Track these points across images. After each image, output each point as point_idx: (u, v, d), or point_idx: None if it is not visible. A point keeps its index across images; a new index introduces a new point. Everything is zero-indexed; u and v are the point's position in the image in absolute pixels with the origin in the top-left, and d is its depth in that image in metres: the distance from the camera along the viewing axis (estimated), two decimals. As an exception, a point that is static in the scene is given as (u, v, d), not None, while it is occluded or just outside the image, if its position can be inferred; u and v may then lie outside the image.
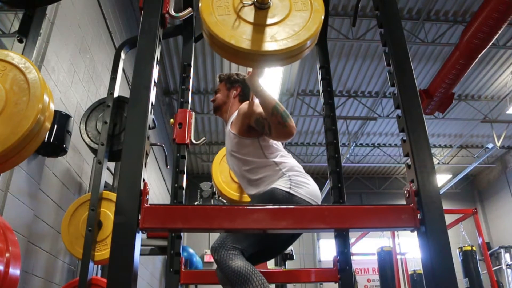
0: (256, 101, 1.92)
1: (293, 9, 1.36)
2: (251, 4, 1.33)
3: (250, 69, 1.96)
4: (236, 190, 2.86)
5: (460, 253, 6.56)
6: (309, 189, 1.86)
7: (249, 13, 1.33)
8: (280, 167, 1.90)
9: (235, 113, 2.04)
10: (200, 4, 1.34)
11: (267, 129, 1.82)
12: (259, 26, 1.31)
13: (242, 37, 1.27)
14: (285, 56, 1.31)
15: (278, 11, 1.35)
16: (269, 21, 1.32)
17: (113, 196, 2.70)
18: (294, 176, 1.86)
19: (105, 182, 2.79)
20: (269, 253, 2.04)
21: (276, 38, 1.28)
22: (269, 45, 1.27)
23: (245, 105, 1.98)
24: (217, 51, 1.33)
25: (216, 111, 2.25)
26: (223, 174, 2.95)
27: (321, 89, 2.44)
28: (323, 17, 1.35)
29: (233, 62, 1.37)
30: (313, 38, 1.33)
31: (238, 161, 1.98)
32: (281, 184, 1.82)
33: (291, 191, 1.80)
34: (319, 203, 1.91)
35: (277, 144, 2.02)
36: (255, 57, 1.29)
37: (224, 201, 5.39)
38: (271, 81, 7.32)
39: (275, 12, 1.34)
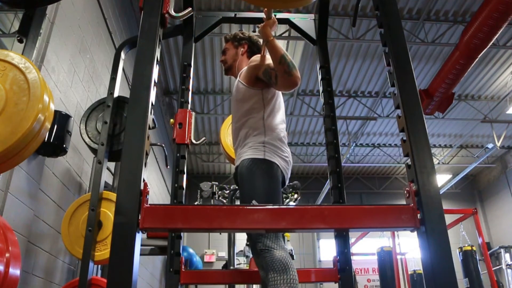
0: (267, 55, 2.00)
1: None
2: None
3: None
4: None
5: (460, 253, 6.55)
6: (281, 156, 1.96)
7: None
8: (265, 126, 1.98)
9: (245, 69, 2.14)
10: None
11: (273, 78, 1.91)
12: None
13: None
14: None
15: None
16: None
17: (113, 196, 2.70)
18: (268, 142, 1.95)
19: (105, 182, 2.79)
20: None
21: None
22: None
23: (256, 57, 2.09)
24: None
25: (227, 71, 2.34)
26: (230, 138, 3.07)
27: (321, 89, 2.44)
28: None
29: (249, 1, 1.40)
30: None
31: (239, 108, 2.09)
32: (255, 153, 1.92)
33: (266, 157, 1.90)
34: (289, 171, 2.00)
35: (279, 101, 2.11)
36: None
37: (225, 195, 5.40)
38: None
39: None
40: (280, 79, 1.87)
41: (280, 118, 2.08)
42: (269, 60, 1.97)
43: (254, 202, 1.78)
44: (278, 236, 1.73)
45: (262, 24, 2.01)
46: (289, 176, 2.02)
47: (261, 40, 2.17)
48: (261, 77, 2.01)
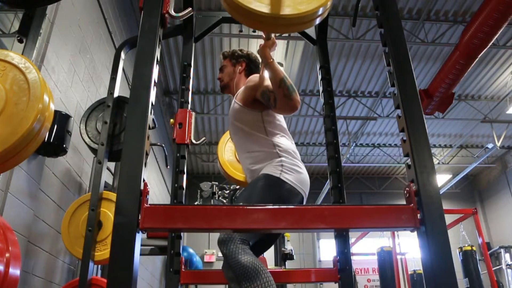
0: (265, 74, 1.93)
1: None
2: None
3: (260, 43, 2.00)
4: (241, 171, 2.82)
5: (460, 253, 6.55)
6: (299, 176, 1.87)
7: None
8: (276, 148, 1.91)
9: (243, 88, 2.07)
10: None
11: (272, 101, 1.86)
12: None
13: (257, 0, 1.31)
14: (297, 21, 1.33)
15: None
16: None
17: (113, 196, 2.70)
18: (286, 161, 1.87)
19: (105, 182, 2.79)
20: (266, 243, 2.00)
21: (290, 4, 1.31)
22: (282, 10, 1.30)
23: (253, 77, 2.02)
24: (231, 13, 1.35)
25: (224, 89, 2.28)
26: (228, 154, 2.96)
27: (321, 89, 2.44)
28: None
29: (246, 25, 1.38)
30: (325, 5, 1.35)
31: (239, 130, 2.02)
32: (272, 170, 1.84)
33: (281, 177, 1.81)
34: (307, 191, 1.91)
35: (280, 121, 2.04)
36: (268, 20, 1.30)
37: (225, 195, 5.40)
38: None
39: None
40: (279, 102, 1.82)
41: (289, 141, 2.00)
42: (267, 81, 1.90)
43: None
44: (244, 238, 1.64)
45: (261, 44, 1.93)
46: (307, 195, 1.92)
47: (260, 58, 2.08)
48: (259, 98, 1.94)
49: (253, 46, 7.02)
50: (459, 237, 7.31)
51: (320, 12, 1.36)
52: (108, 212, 2.65)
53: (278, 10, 1.31)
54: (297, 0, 1.33)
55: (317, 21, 1.40)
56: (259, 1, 1.31)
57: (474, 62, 6.21)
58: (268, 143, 1.92)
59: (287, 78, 1.81)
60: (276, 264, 5.60)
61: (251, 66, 2.24)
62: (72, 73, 3.54)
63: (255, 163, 1.93)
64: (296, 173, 1.86)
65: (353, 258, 4.19)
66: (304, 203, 1.92)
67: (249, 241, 1.67)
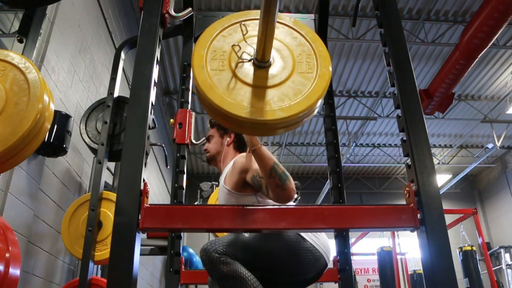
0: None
1: (295, 71, 1.21)
2: (249, 60, 1.20)
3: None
4: None
5: (460, 253, 6.56)
6: (319, 238, 1.76)
7: (245, 71, 1.19)
8: None
9: (230, 164, 1.88)
10: (193, 55, 1.21)
11: (264, 189, 1.65)
12: (255, 88, 1.16)
13: (235, 99, 1.12)
14: (280, 125, 1.15)
15: (279, 71, 1.20)
16: (267, 82, 1.18)
17: (113, 196, 2.70)
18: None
19: (105, 182, 2.79)
20: (270, 284, 1.82)
21: (272, 106, 1.13)
22: (264, 113, 1.12)
23: (241, 158, 1.80)
24: (206, 110, 1.19)
25: (210, 161, 2.08)
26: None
27: (321, 89, 2.43)
28: (328, 83, 1.20)
29: (224, 125, 1.24)
30: (315, 106, 1.17)
31: None
32: None
33: (302, 234, 1.68)
34: (329, 255, 1.78)
35: None
36: (247, 124, 1.14)
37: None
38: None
39: (275, 72, 1.19)
40: (271, 193, 1.60)
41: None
42: (256, 163, 1.67)
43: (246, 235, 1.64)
44: (227, 254, 1.56)
45: None
46: (329, 253, 1.78)
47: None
48: (249, 182, 1.73)
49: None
50: (459, 237, 7.32)
51: (309, 112, 1.18)
52: (108, 212, 2.65)
53: (259, 114, 1.11)
54: (282, 101, 1.14)
55: (306, 120, 1.22)
56: (239, 104, 1.12)
57: (474, 62, 6.21)
58: None
59: (278, 165, 1.58)
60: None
61: (241, 137, 1.98)
62: (72, 73, 3.54)
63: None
64: (314, 236, 1.73)
65: (353, 258, 4.19)
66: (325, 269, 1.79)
67: (237, 259, 1.59)
